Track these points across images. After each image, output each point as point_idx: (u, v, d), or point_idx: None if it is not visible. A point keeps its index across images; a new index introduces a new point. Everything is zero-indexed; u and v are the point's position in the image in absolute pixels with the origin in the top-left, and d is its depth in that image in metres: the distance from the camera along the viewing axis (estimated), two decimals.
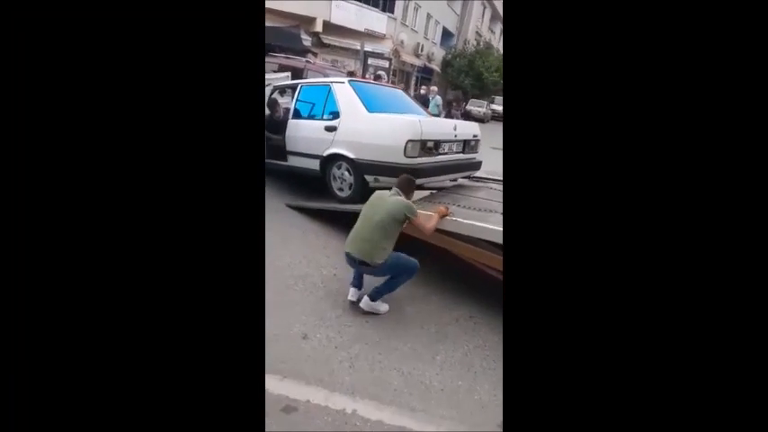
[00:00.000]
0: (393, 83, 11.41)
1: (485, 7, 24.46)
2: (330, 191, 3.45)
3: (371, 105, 3.27)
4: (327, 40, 13.47)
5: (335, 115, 3.34)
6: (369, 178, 3.15)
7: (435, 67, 21.04)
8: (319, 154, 3.38)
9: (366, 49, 12.05)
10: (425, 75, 20.52)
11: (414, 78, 18.99)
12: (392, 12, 15.50)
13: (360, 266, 2.11)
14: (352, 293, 2.18)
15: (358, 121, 3.21)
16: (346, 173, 3.29)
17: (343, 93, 3.38)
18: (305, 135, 3.55)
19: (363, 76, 8.41)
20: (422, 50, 18.95)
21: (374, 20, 14.56)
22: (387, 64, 12.72)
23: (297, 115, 3.77)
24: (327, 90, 3.51)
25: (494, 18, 26.42)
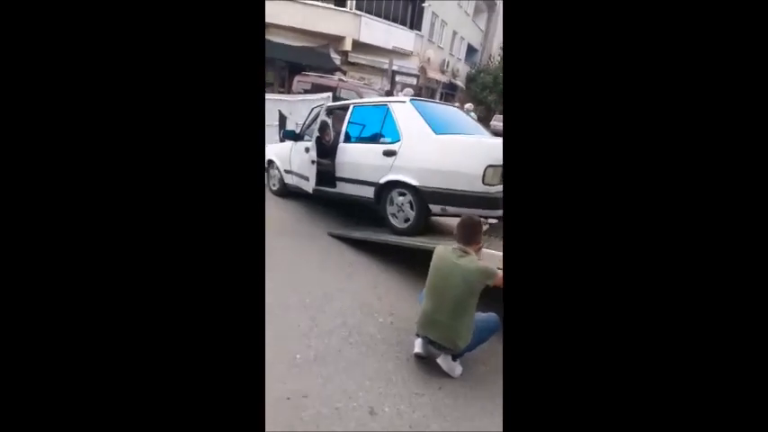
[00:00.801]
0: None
1: None
2: (386, 221, 3.09)
3: (437, 127, 2.86)
4: (355, 58, 13.56)
5: (395, 138, 3.00)
6: (435, 208, 2.76)
7: (459, 83, 20.94)
8: (375, 181, 3.04)
9: (393, 66, 12.02)
10: (450, 91, 20.43)
11: (438, 94, 18.90)
12: (419, 29, 15.53)
13: (440, 350, 1.80)
14: (418, 345, 1.86)
15: (423, 144, 2.81)
16: (406, 202, 2.89)
17: (405, 113, 3.01)
18: (358, 160, 3.23)
19: (391, 93, 8.27)
20: (447, 66, 18.91)
21: (402, 37, 14.62)
22: (414, 81, 12.65)
23: (347, 139, 3.48)
24: (385, 111, 3.17)
25: None
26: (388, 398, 1.63)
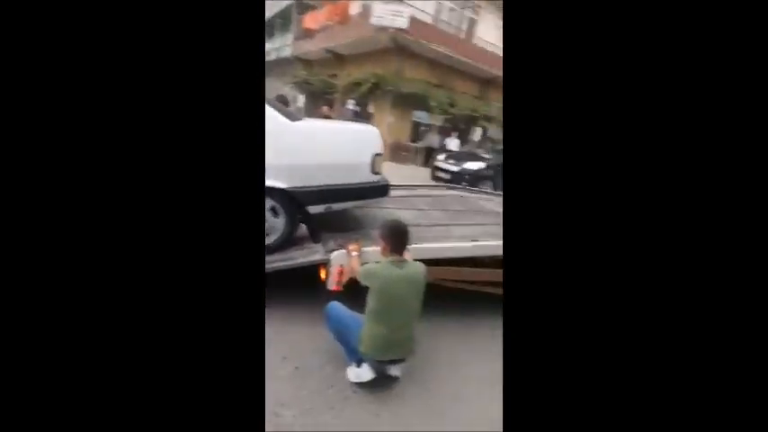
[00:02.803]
0: None
1: None
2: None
3: (290, 113, 2.39)
4: None
5: None
6: (316, 208, 2.34)
7: None
8: None
9: None
10: None
11: None
12: None
13: (389, 366, 1.72)
14: (356, 374, 1.74)
15: (282, 136, 2.15)
16: (268, 211, 2.22)
17: None
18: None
19: None
20: None
21: None
22: None
23: None
24: None
25: None
26: None
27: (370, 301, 1.65)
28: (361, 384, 1.72)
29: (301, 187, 2.22)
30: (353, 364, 1.75)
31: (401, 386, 1.78)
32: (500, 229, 2.56)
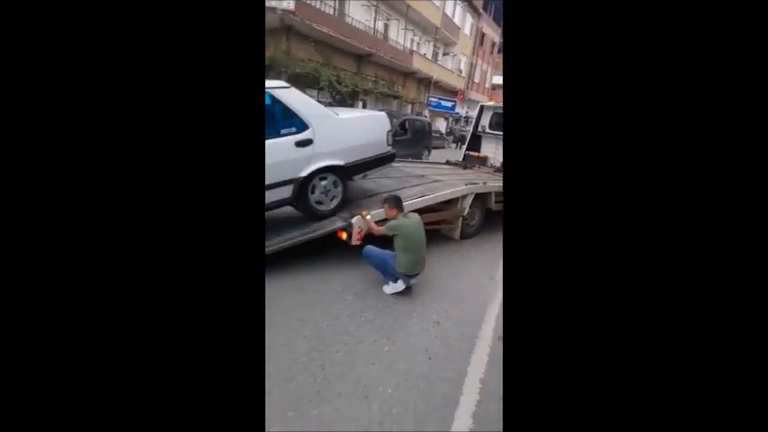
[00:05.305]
0: None
1: None
2: (309, 211, 3.08)
3: (334, 110, 3.24)
4: None
5: (300, 127, 2.84)
6: (358, 177, 3.40)
7: None
8: (292, 177, 2.84)
9: None
10: None
11: None
12: None
13: (412, 278, 2.79)
14: (402, 283, 2.77)
15: (335, 126, 3.04)
16: (331, 183, 3.10)
17: (299, 99, 2.88)
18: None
19: None
20: None
21: None
22: None
23: None
24: (270, 99, 2.74)
25: None
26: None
27: (399, 241, 2.69)
28: (394, 294, 2.80)
29: (351, 162, 3.19)
30: (390, 283, 2.80)
31: (415, 287, 2.92)
32: (428, 187, 3.88)
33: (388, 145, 3.57)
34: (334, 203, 3.19)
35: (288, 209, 3.14)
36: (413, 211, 3.02)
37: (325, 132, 2.96)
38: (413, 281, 2.84)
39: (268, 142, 2.64)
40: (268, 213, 2.95)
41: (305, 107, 2.89)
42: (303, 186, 2.94)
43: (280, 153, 2.73)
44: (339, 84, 11.95)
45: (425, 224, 3.01)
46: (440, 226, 3.80)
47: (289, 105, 2.80)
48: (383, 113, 3.74)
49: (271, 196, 2.79)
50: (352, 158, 3.20)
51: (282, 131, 2.80)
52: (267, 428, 1.46)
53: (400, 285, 2.79)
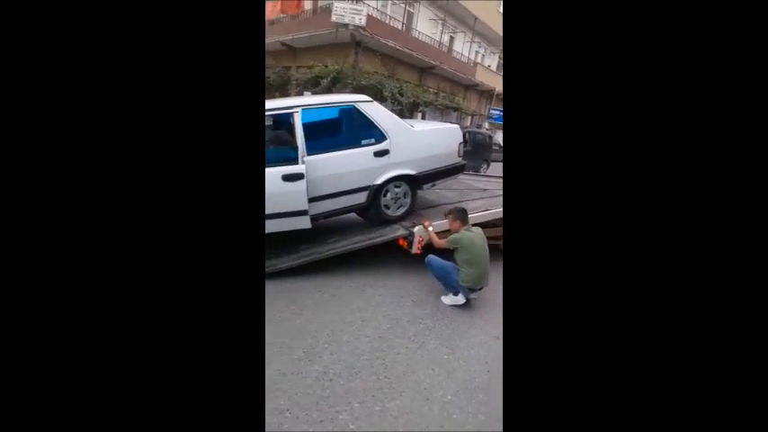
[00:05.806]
0: None
1: None
2: (380, 217, 3.27)
3: (410, 123, 3.41)
4: None
5: (379, 137, 3.09)
6: (427, 186, 3.56)
7: None
8: (368, 184, 3.10)
9: None
10: None
11: None
12: None
13: (475, 292, 2.79)
14: (452, 300, 2.82)
15: (409, 138, 3.23)
16: (401, 192, 3.29)
17: (380, 112, 3.15)
18: (341, 170, 2.96)
19: None
20: None
21: None
22: None
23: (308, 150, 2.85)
24: (352, 111, 3.07)
25: None
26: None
27: (462, 255, 2.72)
28: (452, 307, 2.83)
29: (422, 172, 3.36)
30: (450, 294, 2.84)
31: (475, 301, 2.92)
32: (490, 201, 3.89)
33: (459, 156, 3.69)
34: (401, 211, 3.37)
35: (353, 215, 3.35)
36: (475, 225, 3.05)
37: (401, 143, 3.20)
38: (473, 295, 2.85)
39: (351, 152, 3.02)
40: (337, 217, 3.19)
41: (384, 120, 3.16)
42: (377, 193, 3.19)
43: (360, 162, 3.05)
44: (401, 95, 12.24)
45: (493, 238, 3.02)
46: (499, 242, 3.75)
47: (370, 117, 3.10)
48: (456, 126, 3.84)
49: (348, 201, 3.12)
50: (424, 168, 3.36)
51: (363, 142, 3.10)
52: (346, 411, 1.62)
53: (460, 299, 2.82)
